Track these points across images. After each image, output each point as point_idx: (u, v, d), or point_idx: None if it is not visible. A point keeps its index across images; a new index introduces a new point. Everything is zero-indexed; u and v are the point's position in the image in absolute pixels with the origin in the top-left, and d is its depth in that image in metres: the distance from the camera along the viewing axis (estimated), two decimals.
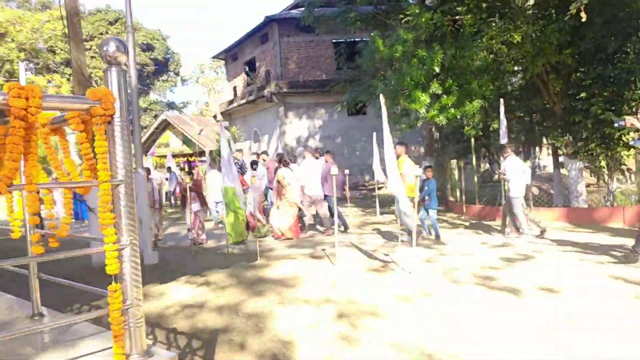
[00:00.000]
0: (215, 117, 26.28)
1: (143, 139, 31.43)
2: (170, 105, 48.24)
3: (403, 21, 12.81)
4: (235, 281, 6.29)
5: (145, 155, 31.14)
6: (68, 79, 37.24)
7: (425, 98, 11.65)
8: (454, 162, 14.28)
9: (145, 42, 42.69)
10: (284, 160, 9.57)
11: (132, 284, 1.91)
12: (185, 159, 28.38)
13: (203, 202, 10.24)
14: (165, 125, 29.82)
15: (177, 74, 46.69)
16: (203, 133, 28.28)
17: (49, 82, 29.78)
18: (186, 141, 28.72)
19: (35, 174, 1.77)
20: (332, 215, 9.57)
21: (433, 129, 16.51)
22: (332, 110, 20.12)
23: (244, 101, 23.21)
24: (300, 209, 9.77)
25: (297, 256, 7.75)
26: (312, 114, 21.81)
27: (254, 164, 11.71)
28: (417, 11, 12.00)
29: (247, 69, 25.03)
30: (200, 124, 29.74)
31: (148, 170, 9.38)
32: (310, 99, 21.43)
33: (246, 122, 25.03)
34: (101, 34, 39.94)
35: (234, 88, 25.97)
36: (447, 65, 11.82)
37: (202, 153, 26.56)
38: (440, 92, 11.92)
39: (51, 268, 3.41)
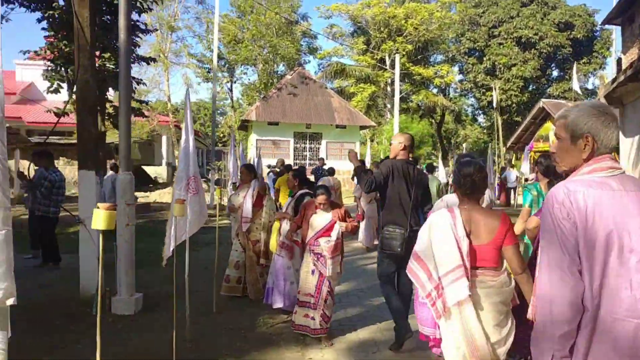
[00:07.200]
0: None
1: (518, 131, 27.62)
2: (594, 93, 40.63)
3: None
4: None
5: (522, 150, 27.31)
6: (464, 67, 36.99)
7: None
8: None
9: (563, 21, 37.10)
10: None
11: None
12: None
13: None
14: (545, 115, 24.97)
15: (603, 55, 38.55)
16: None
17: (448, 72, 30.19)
18: None
19: None
20: None
21: None
22: None
23: (622, 78, 16.44)
24: None
25: None
26: None
27: None
28: None
29: None
30: None
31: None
32: None
33: (638, 109, 17.78)
34: (511, 17, 37.33)
35: (618, 61, 18.85)
36: None
37: None
38: None
39: None
